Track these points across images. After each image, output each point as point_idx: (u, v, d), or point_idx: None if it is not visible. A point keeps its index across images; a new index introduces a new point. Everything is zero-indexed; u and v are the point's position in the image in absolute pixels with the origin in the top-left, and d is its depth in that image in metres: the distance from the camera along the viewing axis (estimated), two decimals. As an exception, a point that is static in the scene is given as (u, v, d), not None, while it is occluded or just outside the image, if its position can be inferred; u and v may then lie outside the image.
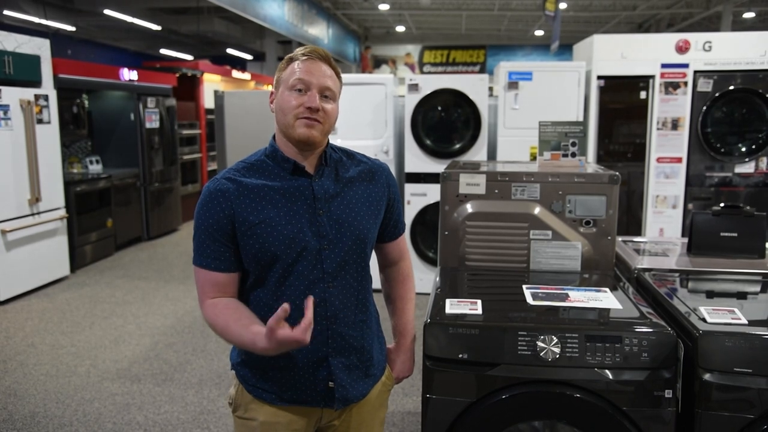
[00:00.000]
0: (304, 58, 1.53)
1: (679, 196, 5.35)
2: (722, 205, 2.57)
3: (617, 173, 2.36)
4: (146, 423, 3.22)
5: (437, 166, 5.13)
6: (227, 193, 1.52)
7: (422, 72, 19.71)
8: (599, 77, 5.28)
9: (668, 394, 1.72)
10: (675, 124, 5.23)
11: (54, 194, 5.74)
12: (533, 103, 5.14)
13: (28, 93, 5.35)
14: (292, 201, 1.54)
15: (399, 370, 1.79)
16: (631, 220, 5.50)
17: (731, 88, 5.13)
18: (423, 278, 5.37)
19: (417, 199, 5.34)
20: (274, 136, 1.61)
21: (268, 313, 1.53)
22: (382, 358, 1.75)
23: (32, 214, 5.45)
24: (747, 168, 5.23)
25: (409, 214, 5.37)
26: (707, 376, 1.69)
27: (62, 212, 5.86)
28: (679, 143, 5.27)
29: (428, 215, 5.32)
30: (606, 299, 2.01)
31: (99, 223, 6.67)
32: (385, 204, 1.69)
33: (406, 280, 1.82)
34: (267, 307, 1.55)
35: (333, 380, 1.58)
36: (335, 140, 5.35)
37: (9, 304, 5.20)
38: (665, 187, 5.35)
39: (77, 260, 6.27)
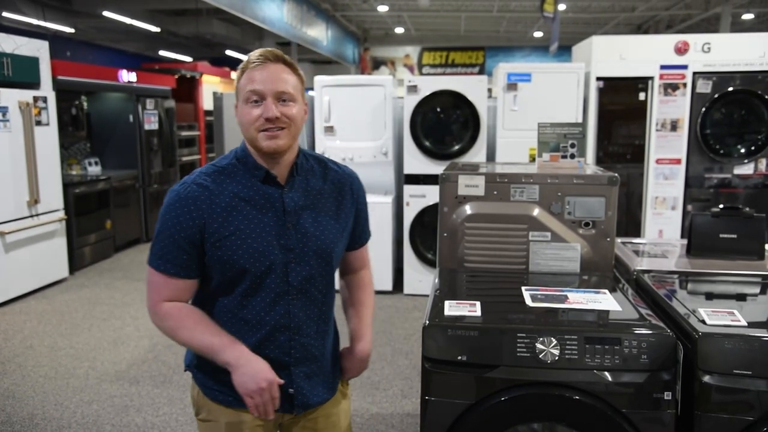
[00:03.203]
0: (254, 66, 1.49)
1: (678, 197, 5.35)
2: (721, 206, 2.57)
3: (616, 174, 2.36)
4: (145, 425, 3.22)
5: (436, 168, 5.13)
6: (198, 201, 1.49)
7: (421, 73, 19.70)
8: (598, 78, 5.29)
9: (667, 396, 1.72)
10: (674, 126, 5.24)
11: (53, 196, 5.73)
12: (532, 104, 5.14)
13: (27, 95, 5.34)
14: (263, 213, 1.52)
15: (349, 374, 1.75)
16: (630, 221, 5.50)
17: (730, 89, 5.13)
18: (422, 280, 5.38)
19: (416, 200, 5.34)
20: (244, 141, 1.59)
21: (232, 320, 1.54)
22: (338, 360, 1.75)
23: (31, 216, 5.45)
24: (746, 169, 5.23)
25: (408, 215, 5.37)
26: (707, 378, 1.68)
27: (61, 214, 5.86)
28: (678, 144, 5.27)
29: (427, 217, 5.32)
30: (605, 301, 2.01)
31: (98, 224, 6.67)
32: (353, 216, 1.68)
33: (367, 287, 1.81)
34: (231, 313, 1.54)
35: (293, 387, 1.59)
36: (334, 142, 5.36)
37: (8, 305, 5.19)
38: (664, 189, 5.35)
39: (76, 262, 6.26)
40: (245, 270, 1.50)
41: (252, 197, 1.52)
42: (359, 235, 1.75)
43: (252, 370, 1.46)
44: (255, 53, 1.51)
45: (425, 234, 5.40)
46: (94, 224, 6.59)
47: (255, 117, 1.48)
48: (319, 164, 1.65)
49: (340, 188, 1.64)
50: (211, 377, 1.59)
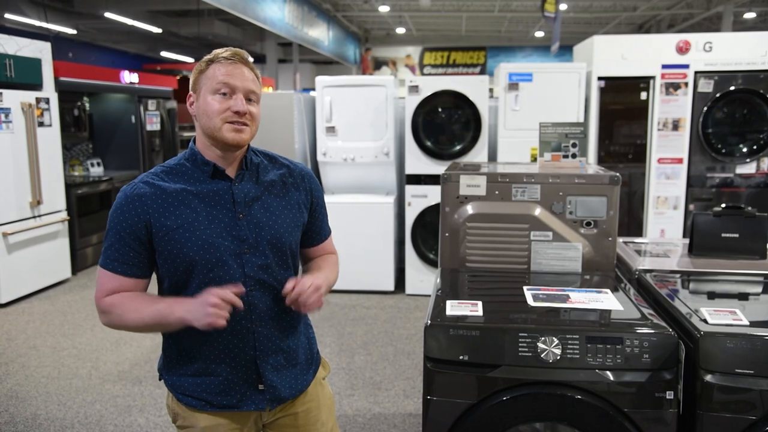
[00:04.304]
0: (227, 61, 1.51)
1: (680, 197, 5.35)
2: (723, 205, 2.57)
3: (617, 174, 2.36)
4: (147, 425, 3.22)
5: (438, 168, 5.13)
6: (144, 197, 1.51)
7: (423, 73, 19.72)
8: (600, 78, 5.28)
9: (669, 395, 1.72)
10: (676, 125, 5.23)
11: (55, 197, 5.74)
12: (534, 104, 5.14)
13: (29, 96, 5.35)
14: (212, 205, 1.53)
15: (294, 298, 1.53)
16: (632, 221, 5.50)
17: (732, 88, 5.13)
18: (424, 280, 5.38)
19: (417, 200, 5.34)
20: (194, 140, 1.60)
21: None
22: (313, 354, 1.75)
23: (33, 217, 5.46)
24: (748, 169, 5.23)
25: (410, 215, 5.37)
26: (708, 378, 1.68)
27: (63, 215, 5.86)
28: (679, 144, 5.27)
29: (429, 217, 5.32)
30: (607, 300, 2.01)
31: (100, 225, 6.67)
32: (308, 210, 1.69)
33: (329, 259, 1.78)
34: None
35: (263, 383, 1.59)
36: (336, 142, 5.36)
37: (10, 306, 5.20)
38: (666, 188, 5.35)
39: (78, 262, 6.28)
40: (194, 262, 1.50)
41: (201, 191, 1.54)
42: (318, 230, 1.76)
43: (196, 305, 1.42)
44: (225, 50, 1.54)
45: (427, 234, 5.40)
46: (96, 225, 6.60)
47: (223, 108, 1.50)
48: (268, 159, 1.67)
49: (293, 181, 1.66)
50: (185, 382, 1.59)
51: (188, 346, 1.57)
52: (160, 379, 1.68)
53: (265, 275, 1.57)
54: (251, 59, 1.59)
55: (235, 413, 1.61)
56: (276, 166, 1.66)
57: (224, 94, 1.50)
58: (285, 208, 1.62)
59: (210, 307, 1.40)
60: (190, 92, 1.57)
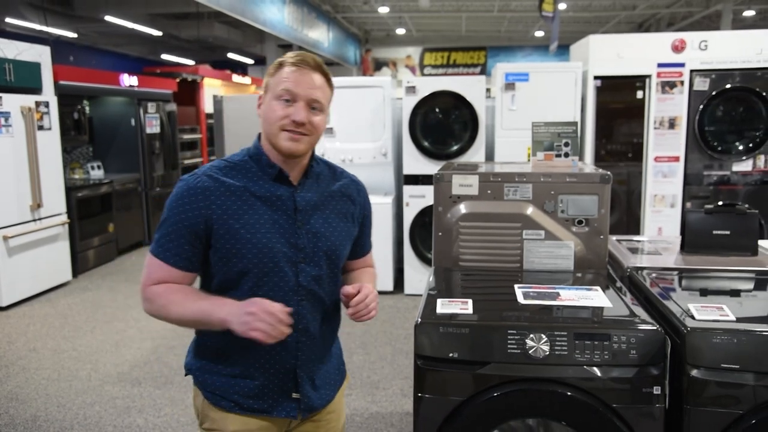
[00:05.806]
0: (293, 67, 1.49)
1: (677, 194, 5.36)
2: (720, 203, 2.59)
3: (608, 173, 2.38)
4: (147, 426, 3.25)
5: (435, 168, 5.07)
6: (208, 191, 1.48)
7: (423, 74, 19.72)
8: (596, 77, 5.30)
9: (657, 390, 1.74)
10: (672, 123, 5.25)
11: (55, 200, 5.77)
12: (530, 103, 5.16)
13: (29, 100, 5.38)
14: (273, 209, 1.52)
15: (354, 309, 1.55)
16: (630, 219, 5.51)
17: (728, 86, 5.14)
18: (422, 279, 5.40)
19: (415, 200, 5.37)
20: (259, 137, 1.60)
21: None
22: (342, 365, 1.77)
23: (34, 220, 5.49)
24: (745, 166, 5.24)
25: (408, 215, 5.39)
26: (695, 373, 1.70)
27: (64, 218, 5.90)
28: (676, 142, 5.28)
29: (427, 217, 5.34)
30: (596, 298, 2.03)
31: (100, 228, 6.71)
32: (359, 224, 1.70)
33: (369, 272, 1.80)
34: None
35: (299, 391, 1.58)
36: (334, 143, 5.38)
37: (11, 309, 5.23)
38: (663, 186, 5.36)
39: (79, 265, 6.30)
40: (251, 264, 1.48)
41: (264, 194, 1.52)
42: (363, 244, 1.76)
43: (239, 309, 1.41)
44: (296, 55, 1.52)
45: (425, 234, 5.42)
46: (96, 228, 6.63)
47: (282, 115, 1.48)
48: (329, 169, 1.67)
49: (349, 194, 1.67)
50: (219, 381, 1.56)
51: (228, 348, 1.54)
52: (186, 375, 1.65)
53: (317, 286, 1.57)
54: (321, 63, 1.54)
55: (265, 418, 1.58)
56: (336, 177, 1.66)
57: (287, 100, 1.48)
58: (342, 220, 1.62)
59: (246, 315, 1.38)
60: (261, 93, 1.55)
